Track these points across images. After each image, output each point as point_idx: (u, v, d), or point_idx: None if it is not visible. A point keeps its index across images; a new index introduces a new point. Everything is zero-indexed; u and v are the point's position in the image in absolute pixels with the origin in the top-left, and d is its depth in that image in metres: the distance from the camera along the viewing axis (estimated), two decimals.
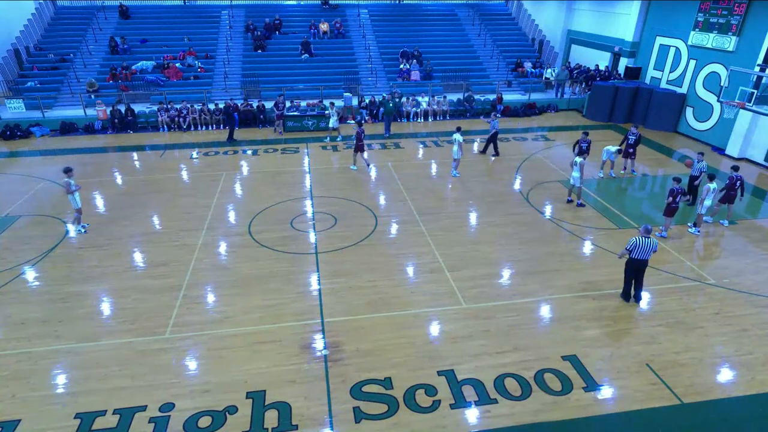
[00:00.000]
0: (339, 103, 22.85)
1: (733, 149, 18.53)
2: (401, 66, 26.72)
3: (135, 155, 18.81)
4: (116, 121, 21.33)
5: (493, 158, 18.20)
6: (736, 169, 12.85)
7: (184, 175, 16.44)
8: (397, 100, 22.23)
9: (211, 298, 10.14)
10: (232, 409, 7.43)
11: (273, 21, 28.32)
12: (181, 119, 21.54)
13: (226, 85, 24.80)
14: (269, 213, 13.79)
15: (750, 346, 8.81)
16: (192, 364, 8.32)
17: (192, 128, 21.76)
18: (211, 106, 22.16)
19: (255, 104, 22.35)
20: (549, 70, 26.88)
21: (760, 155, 17.80)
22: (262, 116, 22.19)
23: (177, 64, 25.21)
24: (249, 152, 18.99)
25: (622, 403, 7.60)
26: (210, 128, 21.83)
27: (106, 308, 9.83)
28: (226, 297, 10.13)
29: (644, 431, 7.20)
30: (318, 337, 8.94)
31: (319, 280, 10.70)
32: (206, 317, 9.49)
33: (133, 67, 24.72)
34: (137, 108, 22.30)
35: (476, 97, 24.55)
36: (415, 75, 26.30)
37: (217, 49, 27.05)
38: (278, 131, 21.16)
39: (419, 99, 23.79)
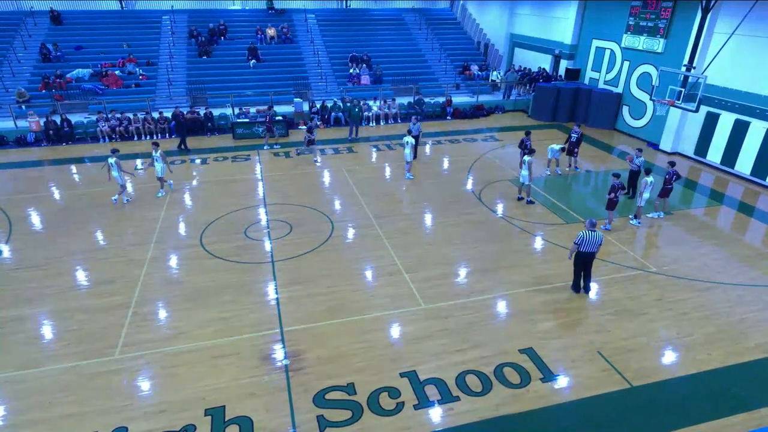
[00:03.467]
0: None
1: (666, 144, 19.74)
2: (351, 70, 26.77)
3: (73, 168, 17.83)
4: (51, 132, 20.15)
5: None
6: (672, 164, 13.69)
7: (129, 187, 15.72)
8: (361, 105, 22.14)
9: (162, 314, 9.75)
10: (191, 428, 7.18)
11: (217, 26, 27.68)
12: (122, 129, 20.62)
13: (170, 92, 23.98)
14: (222, 223, 13.43)
15: (690, 328, 9.39)
16: (145, 385, 7.97)
17: (136, 138, 20.86)
18: (156, 115, 21.34)
19: (202, 112, 21.71)
20: (495, 73, 27.71)
21: (690, 149, 19.05)
22: (210, 124, 21.59)
23: (116, 72, 24.16)
24: (198, 161, 18.42)
25: (578, 391, 7.90)
26: (155, 137, 21.00)
27: (47, 332, 9.25)
28: (178, 312, 9.77)
29: (599, 416, 7.51)
30: (278, 347, 8.78)
31: (276, 288, 10.52)
32: (158, 334, 9.12)
33: (68, 76, 23.47)
34: (74, 118, 21.15)
35: (426, 100, 24.93)
36: (365, 79, 26.41)
37: (160, 56, 26.13)
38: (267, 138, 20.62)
39: (370, 103, 23.90)
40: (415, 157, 17.83)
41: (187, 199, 15.15)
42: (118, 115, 20.83)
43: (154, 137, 20.89)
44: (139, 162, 18.15)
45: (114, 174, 14.23)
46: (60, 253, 11.87)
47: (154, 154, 14.73)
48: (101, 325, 9.35)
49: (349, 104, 21.56)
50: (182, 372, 8.21)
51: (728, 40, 15.94)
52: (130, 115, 20.99)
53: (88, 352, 8.65)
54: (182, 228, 13.25)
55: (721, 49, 16.18)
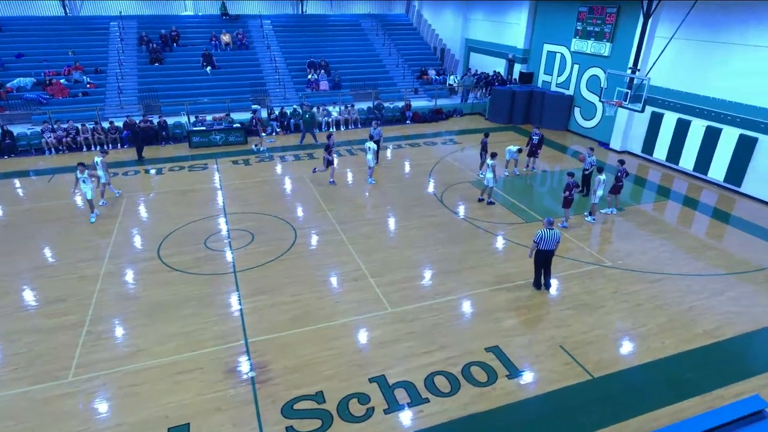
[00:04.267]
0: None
1: (616, 143, 20.62)
2: (309, 76, 26.63)
3: (17, 182, 16.88)
4: None
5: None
6: (622, 162, 14.31)
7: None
8: (314, 110, 22.00)
9: (119, 331, 9.35)
10: None
11: (169, 33, 26.93)
12: (70, 140, 19.71)
13: (121, 101, 23.11)
14: (180, 234, 13.04)
15: (644, 318, 9.81)
16: (103, 406, 7.61)
17: (85, 149, 19.99)
18: (106, 125, 20.51)
19: (156, 120, 21.05)
20: (452, 77, 28.21)
21: (638, 147, 19.96)
22: (164, 133, 20.94)
23: (62, 81, 23.08)
24: (153, 171, 17.83)
25: (542, 385, 8.10)
26: (106, 148, 20.16)
27: None
28: (136, 328, 9.40)
29: (563, 408, 7.71)
30: (243, 359, 8.59)
31: (239, 299, 10.29)
32: (116, 353, 8.75)
33: (8, 85, 22.25)
34: (16, 130, 20.03)
35: (385, 104, 25.09)
36: (324, 85, 26.33)
37: (108, 63, 25.15)
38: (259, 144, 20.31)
39: (330, 109, 23.83)
40: (377, 161, 17.91)
41: (143, 210, 14.62)
42: (65, 126, 19.88)
43: (105, 148, 20.05)
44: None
45: (99, 173, 14.61)
46: (4, 272, 11.21)
47: (79, 175, 13.30)
48: (52, 346, 8.88)
49: (300, 110, 21.38)
50: (143, 390, 7.90)
51: (668, 43, 16.83)
52: (78, 126, 20.07)
53: (39, 375, 8.19)
54: (138, 241, 12.78)
55: (662, 53, 17.08)
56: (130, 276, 11.18)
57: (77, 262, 11.68)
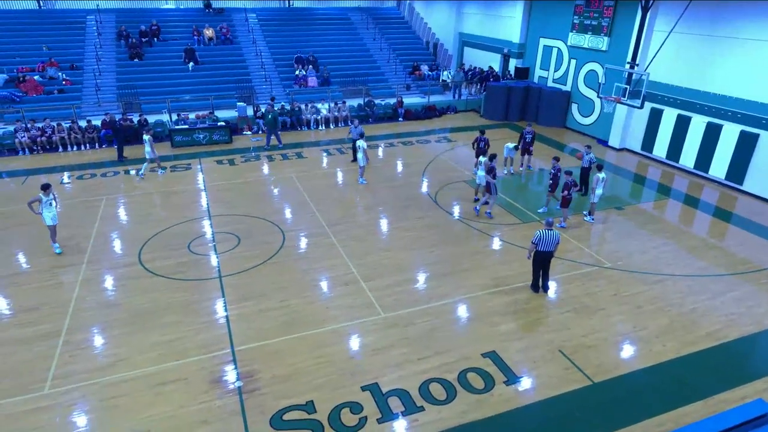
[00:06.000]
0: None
1: (615, 141, 20.37)
2: (297, 72, 26.11)
3: None
4: None
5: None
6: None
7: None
8: (276, 111, 21.16)
9: (99, 340, 8.93)
10: None
11: (149, 27, 26.21)
12: (45, 139, 19.02)
13: (99, 98, 22.41)
14: (162, 238, 12.56)
15: (645, 321, 9.56)
16: (81, 420, 7.25)
17: (61, 149, 19.33)
18: (83, 123, 19.86)
19: (136, 119, 20.44)
20: (445, 73, 27.79)
21: (637, 145, 19.72)
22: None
23: (35, 77, 22.31)
24: (132, 172, 17.25)
25: (541, 391, 7.86)
26: (83, 148, 19.55)
27: None
28: (117, 337, 8.98)
29: (563, 415, 7.48)
30: (229, 368, 8.25)
31: (225, 306, 9.89)
32: (95, 363, 8.35)
33: None
34: None
35: (377, 101, 24.66)
36: (312, 81, 25.83)
37: (85, 59, 24.38)
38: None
39: (318, 106, 23.35)
40: (354, 160, 17.54)
41: (123, 213, 14.10)
42: (40, 125, 19.21)
43: (82, 148, 19.43)
44: (65, 176, 16.77)
45: (146, 149, 16.41)
46: None
47: (44, 198, 11.50)
48: (26, 357, 8.45)
49: (266, 110, 20.56)
50: (123, 403, 7.55)
51: (667, 37, 16.58)
52: (54, 124, 19.39)
53: (13, 389, 7.78)
54: (118, 245, 12.28)
55: (661, 47, 16.78)
56: (109, 282, 10.71)
57: (53, 269, 11.18)
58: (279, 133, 20.16)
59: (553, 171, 13.56)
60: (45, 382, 7.91)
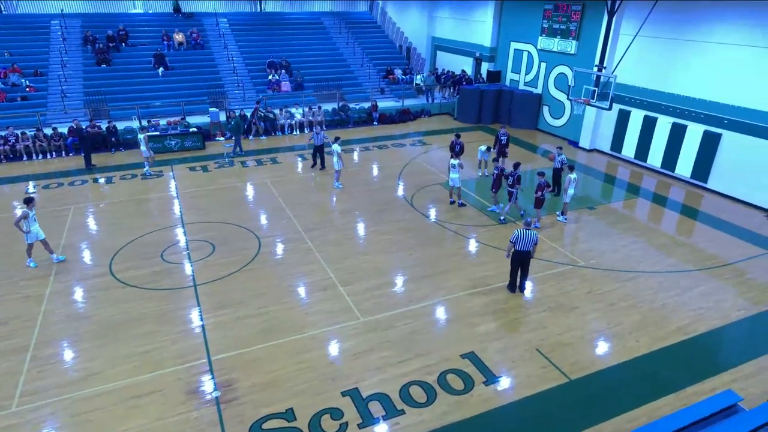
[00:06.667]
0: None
1: (585, 142, 20.83)
2: (270, 77, 25.87)
3: None
4: None
5: (319, 171, 17.75)
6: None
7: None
8: (239, 117, 20.84)
9: (69, 354, 8.64)
10: None
11: (117, 32, 25.58)
12: (8, 148, 18.32)
13: (65, 105, 21.72)
14: (134, 247, 12.24)
15: (618, 317, 9.78)
16: None
17: (26, 158, 18.66)
18: (48, 131, 19.22)
19: (104, 126, 19.90)
20: (419, 77, 27.95)
21: (606, 145, 20.20)
22: (114, 139, 19.80)
23: None
24: (102, 180, 16.78)
25: (520, 390, 7.95)
26: (49, 156, 18.91)
27: None
28: (88, 350, 8.70)
29: (541, 413, 7.58)
30: (206, 378, 8.08)
31: (201, 314, 9.69)
32: (65, 378, 8.07)
33: None
34: None
35: (351, 105, 24.62)
36: (286, 86, 25.64)
37: (50, 65, 23.59)
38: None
39: (292, 110, 23.18)
40: (323, 167, 17.51)
41: (92, 223, 13.70)
42: (2, 133, 18.47)
43: (48, 156, 18.77)
44: (30, 186, 16.16)
45: (142, 149, 16.68)
46: None
47: (30, 213, 10.90)
48: None
49: (228, 117, 20.26)
50: (97, 417, 7.32)
51: (633, 41, 17.05)
52: (18, 132, 18.73)
53: None
54: (87, 256, 11.92)
55: (627, 50, 17.27)
56: (79, 294, 10.38)
57: (18, 282, 10.76)
58: (241, 139, 19.84)
59: (496, 171, 13.90)
60: (13, 399, 7.62)
